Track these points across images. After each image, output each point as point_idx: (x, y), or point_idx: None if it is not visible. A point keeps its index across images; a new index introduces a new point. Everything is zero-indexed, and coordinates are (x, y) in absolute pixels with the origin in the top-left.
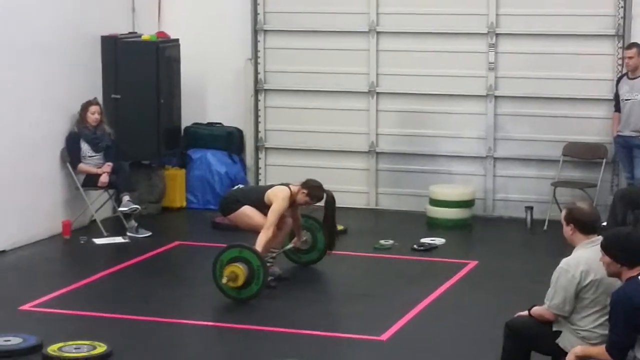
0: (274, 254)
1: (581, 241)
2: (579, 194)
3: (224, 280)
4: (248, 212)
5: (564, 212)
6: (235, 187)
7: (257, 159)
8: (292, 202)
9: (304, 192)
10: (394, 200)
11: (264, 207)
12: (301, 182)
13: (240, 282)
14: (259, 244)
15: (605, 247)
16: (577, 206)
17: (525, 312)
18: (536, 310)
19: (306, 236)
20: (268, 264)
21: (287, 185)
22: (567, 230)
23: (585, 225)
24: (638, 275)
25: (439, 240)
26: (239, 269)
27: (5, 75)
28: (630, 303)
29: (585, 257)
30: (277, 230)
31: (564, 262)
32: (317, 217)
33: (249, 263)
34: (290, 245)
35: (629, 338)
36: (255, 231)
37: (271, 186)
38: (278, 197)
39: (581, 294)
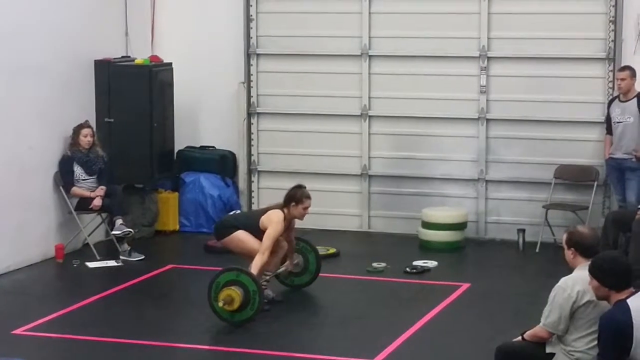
0: (268, 277)
1: (582, 264)
2: (570, 217)
3: (220, 304)
4: (242, 237)
5: (564, 237)
6: (231, 212)
7: (250, 182)
8: (288, 223)
9: (294, 205)
10: (387, 222)
11: (259, 233)
12: (284, 200)
13: (235, 305)
14: (255, 267)
15: (593, 271)
16: (577, 230)
17: (519, 338)
18: (530, 331)
19: (298, 259)
20: (263, 287)
21: (279, 206)
22: (569, 254)
23: (586, 249)
24: (626, 298)
25: (431, 263)
26: (235, 293)
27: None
28: (618, 326)
29: (584, 278)
30: (272, 254)
31: (562, 280)
32: (309, 240)
33: (245, 287)
34: (282, 269)
35: None
36: (248, 256)
37: (265, 211)
38: (272, 222)
39: (577, 314)
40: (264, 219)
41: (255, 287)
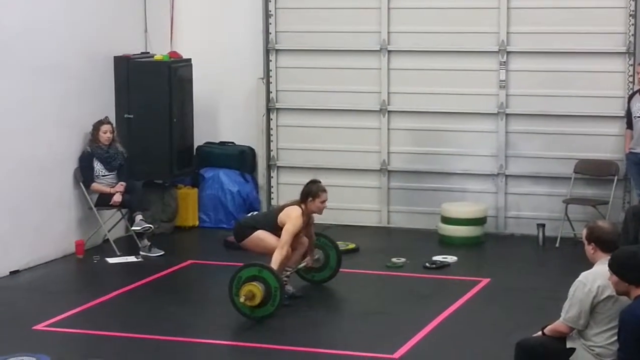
0: (288, 273)
1: (602, 259)
2: (590, 211)
3: (242, 299)
4: (262, 236)
5: (584, 232)
6: (250, 214)
7: (269, 177)
8: (307, 219)
9: (311, 200)
10: (406, 218)
11: (278, 231)
12: (300, 196)
13: (257, 301)
14: (274, 262)
15: (612, 266)
16: (597, 225)
17: (539, 333)
18: (550, 326)
19: (318, 254)
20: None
21: (296, 202)
22: (589, 249)
23: (607, 243)
24: None
25: (451, 258)
26: (257, 289)
27: (19, 95)
28: (638, 321)
29: (604, 273)
30: (292, 250)
31: (583, 275)
32: (329, 235)
33: (267, 283)
34: (302, 264)
35: (638, 356)
36: (269, 254)
37: (283, 208)
38: (291, 217)
39: (597, 309)
40: (282, 216)
41: (277, 283)
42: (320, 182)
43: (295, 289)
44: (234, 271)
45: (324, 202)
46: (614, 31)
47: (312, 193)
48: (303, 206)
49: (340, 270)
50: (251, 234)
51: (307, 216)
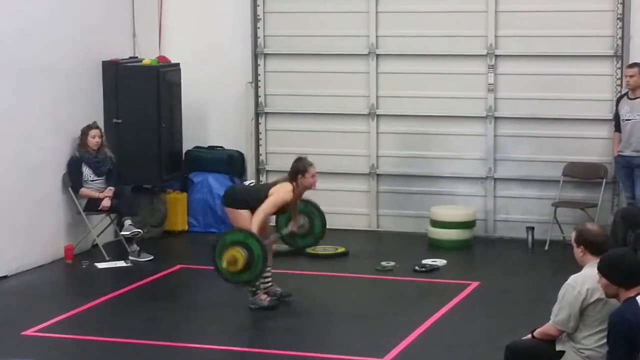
0: (269, 274)
1: (591, 262)
2: (579, 214)
3: (224, 265)
4: (245, 217)
5: (573, 235)
6: (245, 182)
7: (258, 181)
8: (297, 197)
9: (301, 177)
10: (395, 221)
11: None
12: (290, 176)
13: (239, 267)
14: (255, 223)
15: (602, 269)
16: (586, 228)
17: (529, 336)
18: (540, 329)
19: (303, 221)
20: (268, 284)
21: (287, 180)
22: (578, 252)
23: (596, 246)
24: (636, 296)
25: (440, 262)
26: (240, 255)
27: (7, 99)
28: (628, 324)
29: (593, 275)
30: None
31: (572, 278)
32: (317, 204)
33: (251, 251)
34: (287, 230)
35: (627, 359)
36: None
37: (275, 184)
38: (279, 191)
39: (586, 312)
40: (272, 191)
41: (260, 252)
42: (305, 157)
43: (283, 289)
44: (220, 234)
45: (314, 176)
46: (602, 34)
47: (300, 169)
48: (294, 184)
49: (329, 274)
50: (239, 209)
51: (297, 194)
